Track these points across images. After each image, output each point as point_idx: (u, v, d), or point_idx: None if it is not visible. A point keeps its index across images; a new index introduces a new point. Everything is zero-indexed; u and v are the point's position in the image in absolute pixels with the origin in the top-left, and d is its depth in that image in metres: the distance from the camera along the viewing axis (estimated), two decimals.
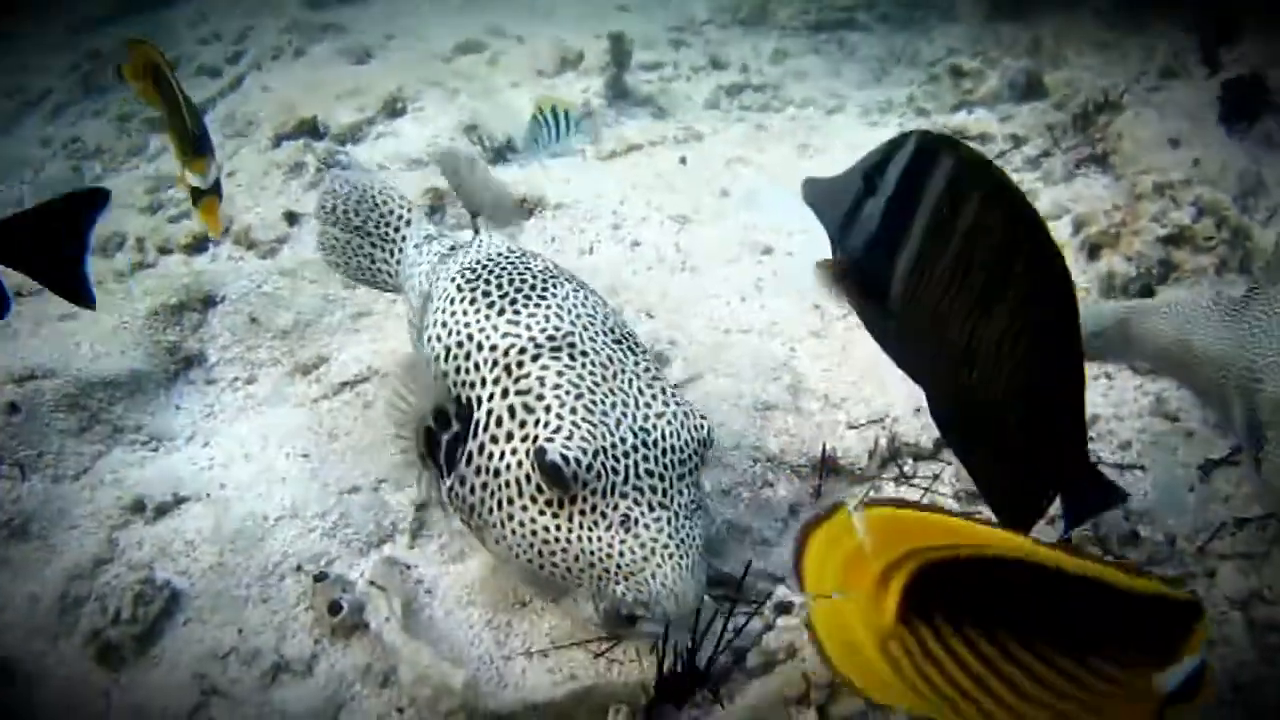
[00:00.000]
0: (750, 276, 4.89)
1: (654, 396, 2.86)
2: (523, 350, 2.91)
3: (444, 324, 3.17)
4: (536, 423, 2.74)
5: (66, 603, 3.81)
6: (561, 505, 2.69)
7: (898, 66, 8.77)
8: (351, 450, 4.15)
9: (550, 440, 2.67)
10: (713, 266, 5.01)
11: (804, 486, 3.98)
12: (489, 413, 2.86)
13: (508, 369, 2.89)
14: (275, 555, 3.81)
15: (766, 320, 4.61)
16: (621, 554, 2.64)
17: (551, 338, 2.93)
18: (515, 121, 7.04)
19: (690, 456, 2.81)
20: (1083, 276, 4.69)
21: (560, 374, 2.82)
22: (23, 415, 4.34)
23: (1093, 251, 4.83)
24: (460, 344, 3.07)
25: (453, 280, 3.31)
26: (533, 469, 2.74)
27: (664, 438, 2.78)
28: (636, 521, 2.66)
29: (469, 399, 2.97)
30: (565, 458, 2.63)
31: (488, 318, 3.05)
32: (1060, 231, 5.01)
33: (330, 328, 4.72)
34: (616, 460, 2.69)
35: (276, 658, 3.55)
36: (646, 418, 2.80)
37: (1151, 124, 5.59)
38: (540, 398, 2.78)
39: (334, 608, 3.56)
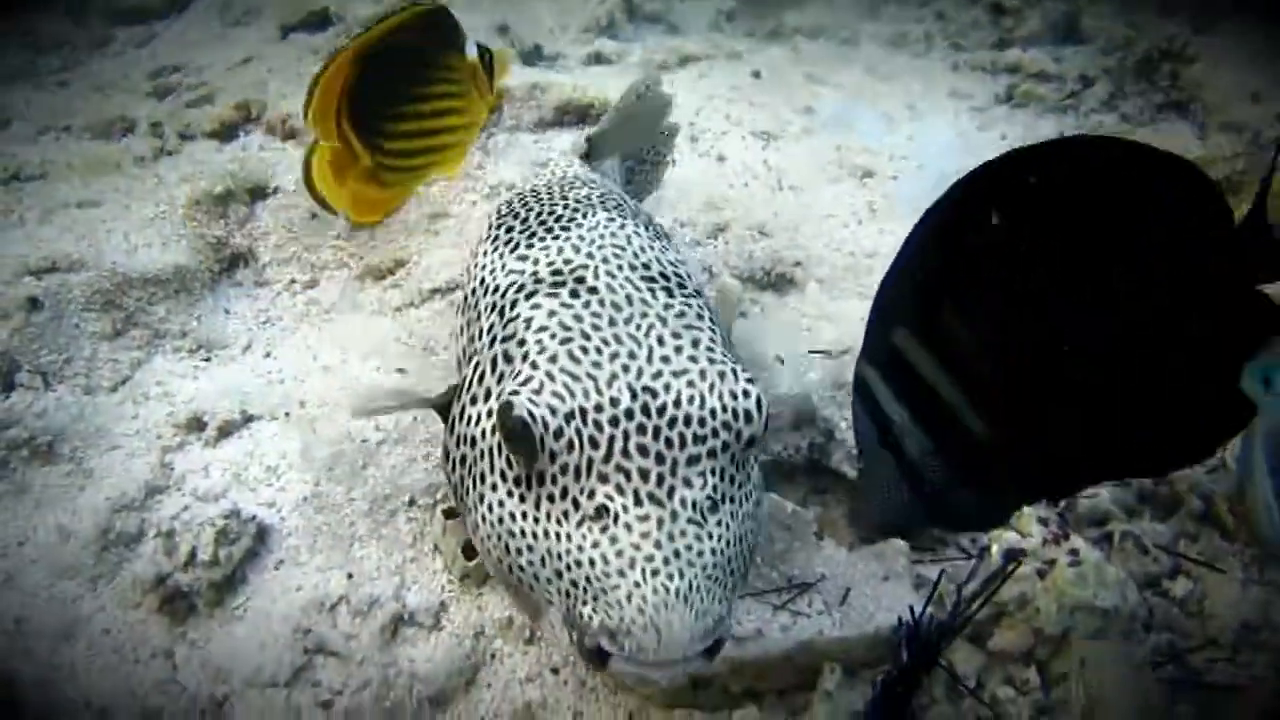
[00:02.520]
0: (859, 199, 4.24)
1: (678, 349, 1.95)
2: (520, 288, 2.14)
3: (468, 270, 2.49)
4: (512, 375, 1.94)
5: (109, 539, 3.02)
6: (529, 485, 1.87)
7: (887, 5, 8.14)
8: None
9: (515, 394, 1.85)
10: (815, 187, 4.33)
11: None
12: (476, 365, 2.10)
13: (501, 312, 2.13)
14: (383, 486, 3.03)
15: (891, 245, 3.94)
16: (592, 561, 1.78)
17: (556, 272, 2.14)
18: (538, 27, 6.22)
19: (717, 433, 1.87)
20: None
21: (551, 314, 2.01)
22: (45, 314, 3.41)
23: None
24: (474, 290, 2.35)
25: (489, 216, 2.62)
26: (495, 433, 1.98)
27: (677, 403, 1.86)
28: (616, 518, 1.79)
29: (472, 354, 2.23)
30: (532, 415, 1.81)
31: (501, 257, 2.34)
32: None
33: (406, 228, 3.87)
34: (598, 428, 1.82)
35: (398, 608, 2.79)
36: (658, 375, 1.90)
37: (1229, 75, 5.14)
38: (521, 343, 1.98)
39: (470, 550, 2.81)
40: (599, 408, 1.83)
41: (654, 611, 1.73)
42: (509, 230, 2.43)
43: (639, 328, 1.98)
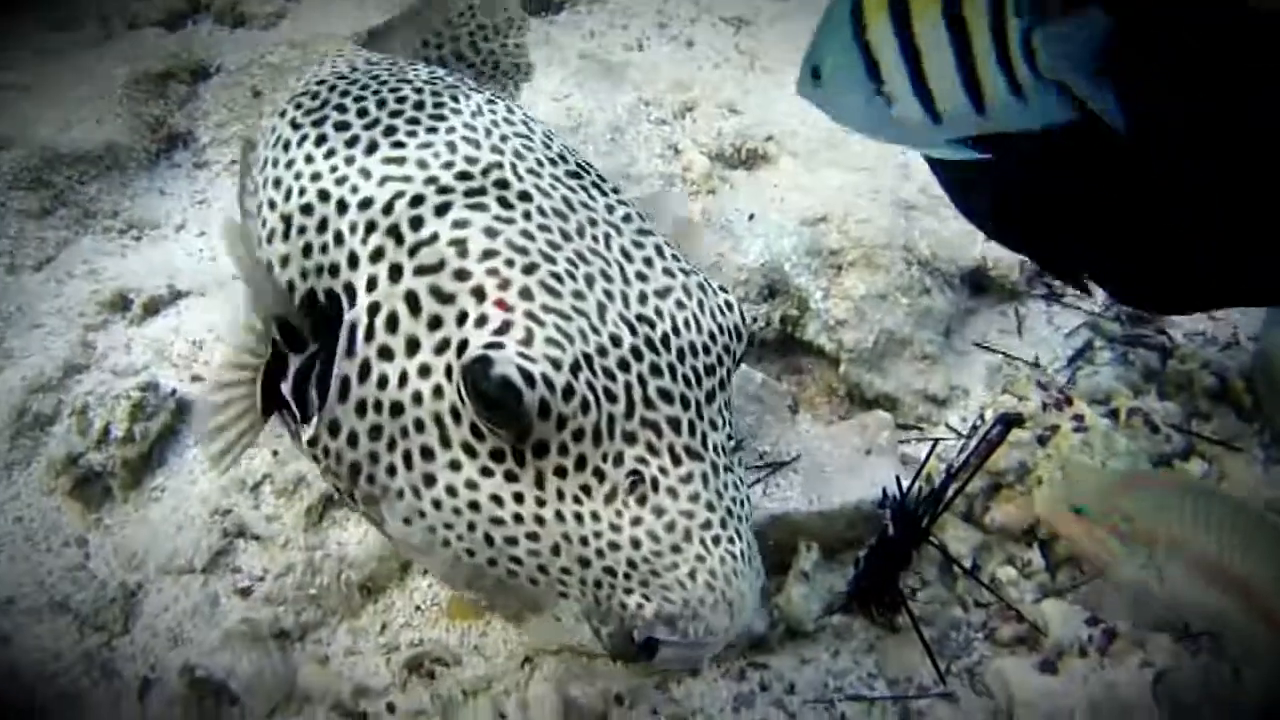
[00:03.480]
0: None
1: (647, 260, 1.54)
2: (418, 200, 1.56)
3: (277, 182, 1.75)
4: (462, 318, 1.45)
5: (24, 422, 2.67)
6: (521, 460, 1.43)
7: None
8: None
9: (496, 346, 1.39)
10: (790, 68, 3.85)
11: (958, 299, 2.98)
12: (373, 309, 1.53)
13: (396, 234, 1.54)
14: None
15: None
16: (636, 541, 1.40)
17: (465, 175, 1.58)
18: None
19: (722, 360, 1.52)
20: None
21: (491, 232, 1.50)
22: None
23: None
24: (307, 208, 1.65)
25: (284, 115, 1.87)
26: (464, 397, 1.44)
27: (677, 331, 1.48)
28: (655, 484, 1.41)
29: (330, 293, 1.60)
30: (527, 375, 1.36)
31: (350, 161, 1.66)
32: None
33: None
34: (609, 376, 1.42)
35: (327, 487, 2.40)
36: (644, 298, 1.49)
37: None
38: (461, 275, 1.47)
39: None
40: (602, 350, 1.41)
41: (724, 584, 1.40)
42: (341, 127, 1.72)
43: (596, 240, 1.53)
